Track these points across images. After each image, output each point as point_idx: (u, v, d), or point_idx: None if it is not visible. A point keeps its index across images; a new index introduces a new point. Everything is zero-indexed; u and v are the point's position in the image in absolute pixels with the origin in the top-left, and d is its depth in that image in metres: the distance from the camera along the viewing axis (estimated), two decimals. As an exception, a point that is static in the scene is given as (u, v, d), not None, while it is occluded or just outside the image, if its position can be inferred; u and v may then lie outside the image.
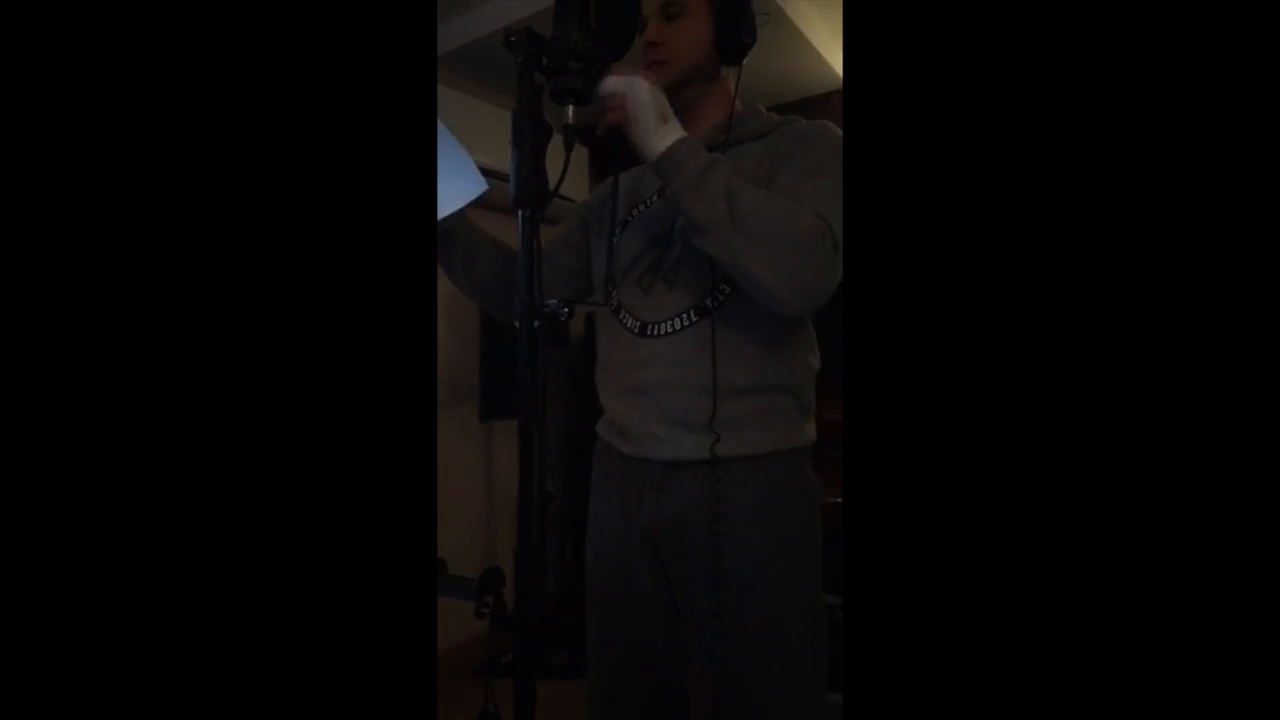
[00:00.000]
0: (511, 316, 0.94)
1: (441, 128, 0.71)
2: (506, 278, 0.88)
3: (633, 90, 0.68)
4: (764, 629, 0.78)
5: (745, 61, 0.83)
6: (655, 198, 0.88)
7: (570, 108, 0.63)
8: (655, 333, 0.81)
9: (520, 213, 0.59)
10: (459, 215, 0.82)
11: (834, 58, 2.00)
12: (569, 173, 0.62)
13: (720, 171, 0.70)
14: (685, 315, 0.80)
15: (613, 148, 0.77)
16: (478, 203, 0.76)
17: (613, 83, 0.68)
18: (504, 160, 0.63)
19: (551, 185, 0.62)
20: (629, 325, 0.84)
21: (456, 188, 0.74)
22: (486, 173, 0.80)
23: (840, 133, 0.79)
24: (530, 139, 0.59)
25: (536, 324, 0.61)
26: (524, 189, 0.59)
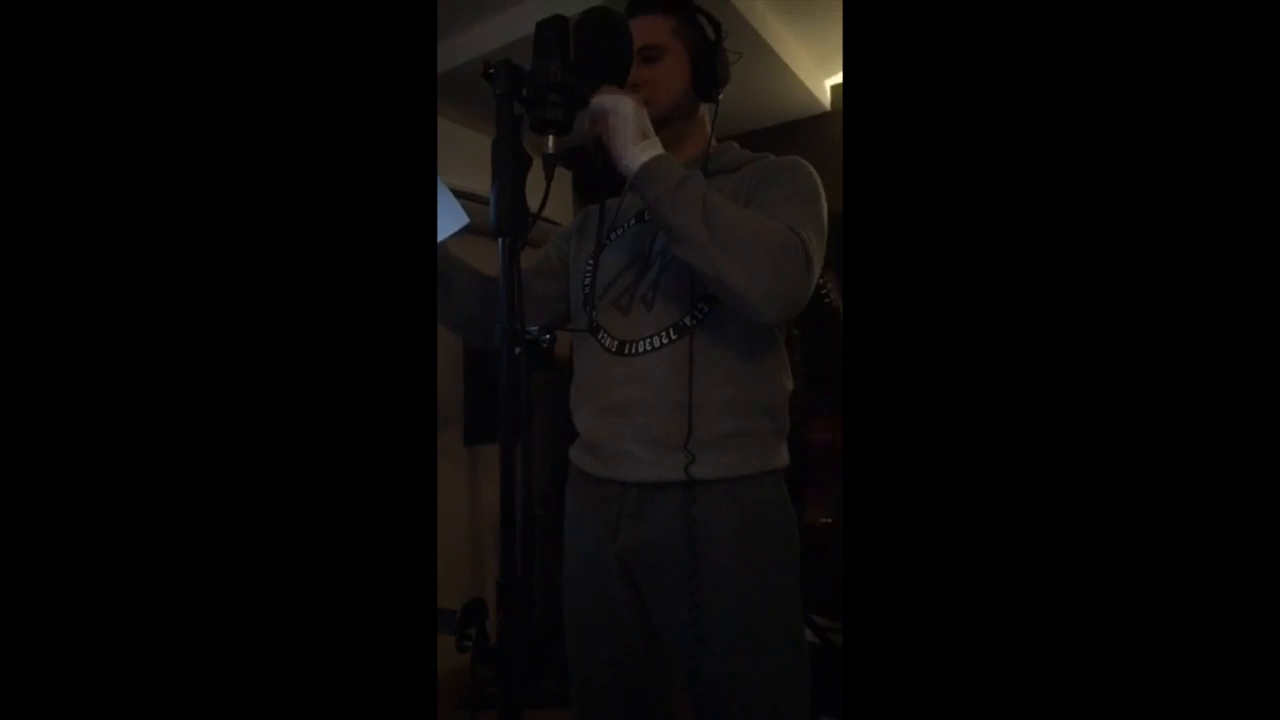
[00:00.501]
0: (489, 343, 0.95)
1: None
2: (483, 306, 0.89)
3: (616, 106, 0.71)
4: (745, 653, 0.77)
5: (723, 95, 0.86)
6: (632, 222, 0.90)
7: (550, 137, 0.63)
8: (633, 351, 0.82)
9: (500, 240, 0.60)
10: (439, 250, 0.83)
11: (814, 84, 2.05)
12: (554, 197, 0.63)
13: (697, 183, 0.72)
14: (664, 334, 0.81)
15: (596, 172, 0.78)
16: (459, 235, 0.76)
17: (599, 100, 0.70)
18: (480, 184, 0.64)
19: (532, 212, 0.63)
20: (606, 345, 0.85)
21: (438, 222, 0.75)
22: (462, 196, 0.81)
23: (809, 166, 0.83)
24: (510, 168, 0.60)
25: (518, 351, 0.61)
26: (504, 217, 0.59)
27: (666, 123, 0.83)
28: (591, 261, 0.90)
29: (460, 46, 1.83)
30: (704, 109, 0.89)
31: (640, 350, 0.82)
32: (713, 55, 0.83)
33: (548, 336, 0.62)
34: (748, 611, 0.77)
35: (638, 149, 0.71)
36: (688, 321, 0.80)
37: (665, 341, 0.80)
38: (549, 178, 0.63)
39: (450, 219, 0.74)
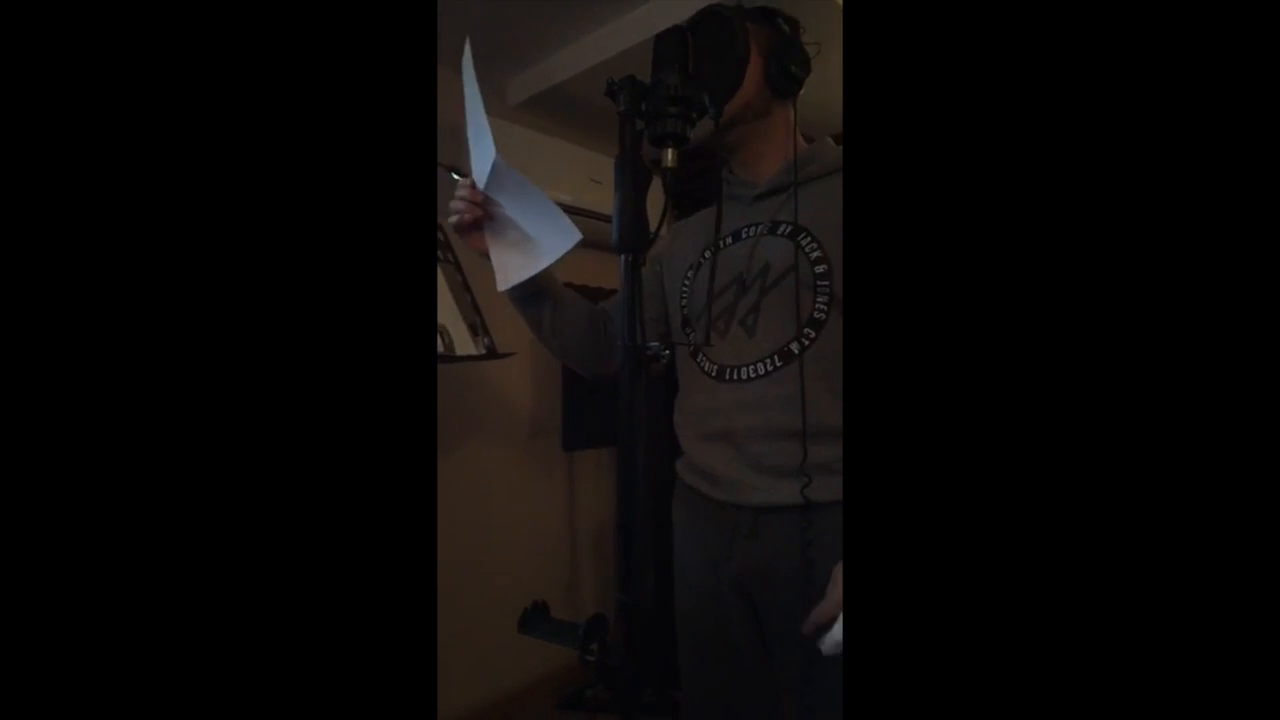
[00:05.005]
0: (590, 371, 0.97)
1: (532, 185, 0.73)
2: (588, 337, 0.91)
3: None
4: None
5: (803, 93, 0.82)
6: (729, 240, 0.87)
7: (670, 150, 0.63)
8: (735, 377, 0.80)
9: (623, 257, 0.60)
10: (548, 274, 0.85)
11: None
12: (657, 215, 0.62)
13: None
14: (768, 361, 0.78)
15: (689, 187, 0.77)
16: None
17: None
18: (581, 196, 0.64)
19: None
20: (706, 369, 0.83)
21: (552, 241, 0.76)
22: (563, 209, 0.82)
23: None
24: (632, 184, 0.60)
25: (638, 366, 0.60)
26: (626, 234, 0.59)
27: (737, 123, 0.80)
28: (687, 281, 0.89)
29: (555, 67, 1.87)
30: (781, 106, 0.83)
31: (743, 377, 0.79)
32: (788, 48, 0.78)
33: (666, 352, 0.62)
34: None
35: None
36: (794, 348, 0.77)
37: (770, 369, 0.78)
38: (668, 192, 0.63)
39: (563, 236, 0.74)
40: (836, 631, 0.67)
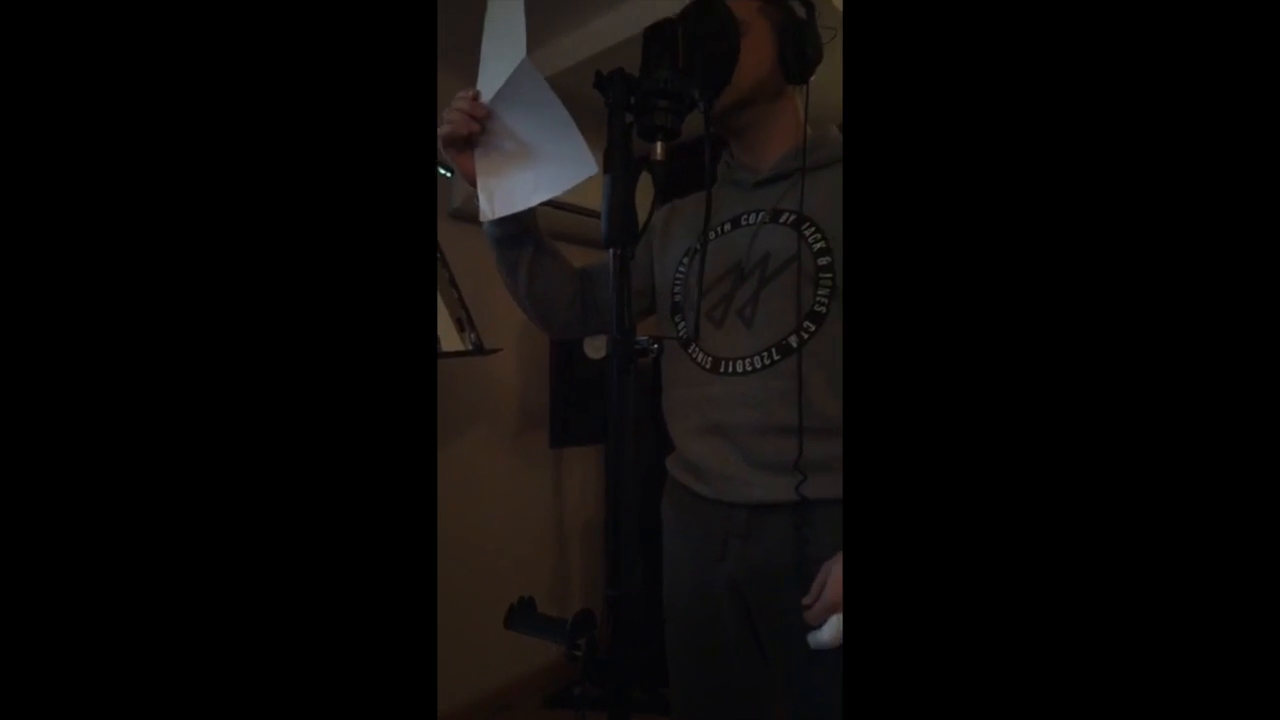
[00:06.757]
0: (563, 333, 0.93)
1: (557, 100, 0.67)
2: (564, 292, 0.88)
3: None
4: None
5: (814, 79, 0.81)
6: (728, 226, 0.85)
7: (659, 144, 0.62)
8: (731, 370, 0.78)
9: (611, 251, 0.59)
10: (534, 216, 0.80)
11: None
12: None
13: None
14: (766, 354, 0.76)
15: (676, 173, 0.75)
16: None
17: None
18: (568, 193, 0.61)
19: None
20: (699, 360, 0.81)
21: (564, 168, 0.68)
22: (555, 206, 0.78)
23: None
24: (622, 178, 0.59)
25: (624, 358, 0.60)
26: (615, 228, 0.59)
27: (748, 104, 0.79)
28: (682, 268, 0.86)
29: (548, 59, 1.86)
30: (792, 90, 0.82)
31: (739, 370, 0.77)
32: (802, 33, 0.77)
33: (655, 346, 0.62)
34: None
35: None
36: (793, 341, 0.75)
37: (768, 362, 0.76)
38: (657, 186, 0.63)
39: (577, 165, 0.67)
40: (827, 627, 0.67)
